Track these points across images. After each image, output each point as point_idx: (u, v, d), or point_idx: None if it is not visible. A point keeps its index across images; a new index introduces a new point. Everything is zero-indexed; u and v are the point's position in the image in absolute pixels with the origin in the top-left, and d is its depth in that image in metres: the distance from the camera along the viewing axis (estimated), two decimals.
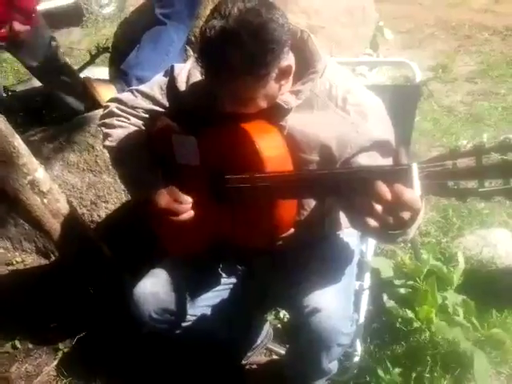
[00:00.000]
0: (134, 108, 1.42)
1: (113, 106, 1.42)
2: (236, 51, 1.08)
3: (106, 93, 2.33)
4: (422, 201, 0.95)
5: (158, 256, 1.52)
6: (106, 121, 1.42)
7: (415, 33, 4.90)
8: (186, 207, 1.29)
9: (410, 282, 1.63)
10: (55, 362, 1.88)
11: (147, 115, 1.43)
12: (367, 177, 0.97)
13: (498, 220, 2.35)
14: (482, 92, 3.69)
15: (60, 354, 1.91)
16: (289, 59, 1.18)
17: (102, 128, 1.44)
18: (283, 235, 1.29)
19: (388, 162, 1.20)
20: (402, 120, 1.75)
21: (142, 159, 1.37)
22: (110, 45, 3.18)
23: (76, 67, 4.20)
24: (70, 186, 2.12)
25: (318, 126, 1.24)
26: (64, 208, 1.68)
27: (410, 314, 1.56)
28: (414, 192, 0.92)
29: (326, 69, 1.26)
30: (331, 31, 2.63)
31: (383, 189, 0.94)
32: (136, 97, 1.43)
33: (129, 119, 1.41)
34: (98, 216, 2.11)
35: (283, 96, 1.23)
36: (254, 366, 1.82)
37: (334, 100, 1.25)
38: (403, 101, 1.84)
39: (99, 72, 3.36)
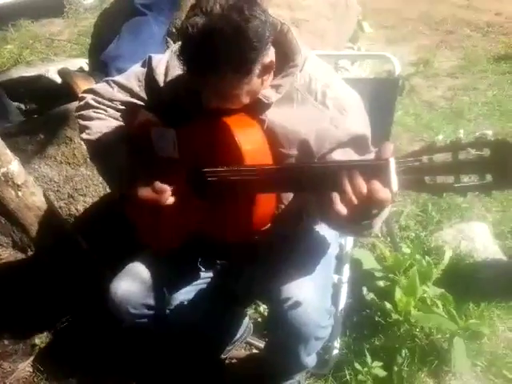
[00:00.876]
0: (110, 100, 1.39)
1: (89, 98, 1.39)
2: (220, 49, 1.07)
3: (85, 85, 2.28)
4: (395, 196, 0.96)
5: (136, 250, 1.50)
6: (83, 113, 1.39)
7: (399, 28, 4.91)
8: (165, 196, 1.27)
9: (390, 275, 1.64)
10: (31, 358, 1.86)
11: (124, 107, 1.40)
12: (346, 169, 0.97)
13: (476, 214, 2.38)
14: (462, 87, 3.71)
15: (36, 349, 1.88)
16: (270, 54, 1.17)
17: (79, 120, 1.40)
18: (261, 229, 1.29)
19: (362, 158, 1.21)
20: (381, 113, 1.75)
21: (121, 152, 1.34)
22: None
23: (56, 59, 4.16)
24: (47, 178, 2.08)
25: (297, 120, 1.24)
26: (40, 201, 1.65)
27: (388, 306, 1.57)
28: (387, 192, 0.94)
29: (305, 62, 1.25)
30: (315, 25, 2.61)
31: (360, 183, 0.95)
32: (112, 88, 1.40)
33: (106, 111, 1.38)
34: (76, 209, 2.08)
35: (264, 91, 1.22)
36: (234, 361, 1.82)
37: (313, 94, 1.25)
38: (383, 94, 1.84)
39: (78, 63, 3.31)
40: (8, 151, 1.55)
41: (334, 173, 0.99)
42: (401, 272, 1.66)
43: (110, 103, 1.39)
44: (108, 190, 2.05)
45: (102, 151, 1.37)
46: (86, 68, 2.94)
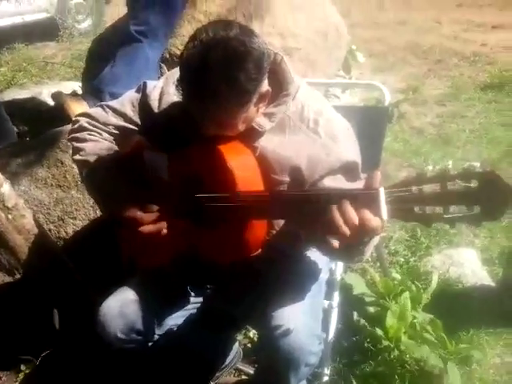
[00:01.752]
0: (104, 124, 1.40)
1: (83, 121, 1.40)
2: (221, 81, 1.09)
3: (77, 108, 2.30)
4: (384, 222, 0.97)
5: (126, 275, 1.49)
6: (78, 135, 1.40)
7: (387, 56, 5.03)
8: (151, 216, 1.27)
9: (381, 301, 1.65)
10: None
11: (118, 131, 1.41)
12: (337, 199, 0.99)
13: (464, 240, 2.40)
14: (450, 115, 3.80)
15: (21, 375, 1.85)
16: (266, 84, 1.20)
17: (73, 142, 1.41)
18: (252, 254, 1.29)
19: (352, 185, 1.23)
20: (371, 141, 1.79)
21: (113, 174, 1.35)
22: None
23: (49, 82, 4.18)
24: (37, 201, 2.07)
25: (289, 147, 1.26)
26: (30, 224, 1.64)
27: (379, 331, 1.57)
28: (378, 220, 0.96)
29: (298, 90, 1.28)
30: (306, 53, 2.66)
31: (351, 214, 0.98)
32: (107, 113, 1.41)
33: (101, 134, 1.40)
34: (66, 232, 2.06)
35: (257, 119, 1.24)
36: None
37: (305, 121, 1.27)
38: (373, 122, 1.88)
39: (71, 86, 3.33)
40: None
41: (325, 203, 1.01)
42: (391, 298, 1.67)
43: (103, 127, 1.40)
44: (98, 214, 2.04)
45: (95, 173, 1.37)
46: (79, 91, 2.95)
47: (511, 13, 6.38)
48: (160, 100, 1.37)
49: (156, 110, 1.36)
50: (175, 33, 2.70)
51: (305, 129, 1.26)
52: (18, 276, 2.05)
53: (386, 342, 1.58)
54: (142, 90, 1.40)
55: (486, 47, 5.17)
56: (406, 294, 1.60)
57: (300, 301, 1.31)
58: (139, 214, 1.26)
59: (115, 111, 1.41)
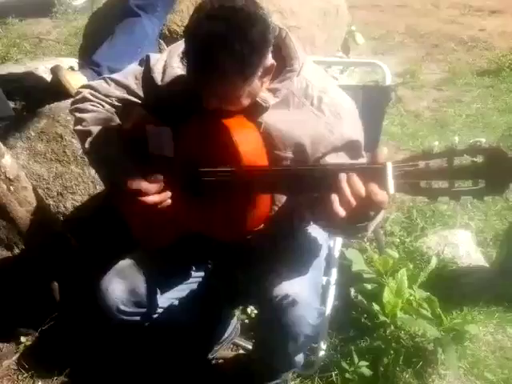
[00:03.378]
0: (107, 96, 1.40)
1: (86, 92, 1.40)
2: (226, 53, 1.09)
3: (76, 82, 2.27)
4: (391, 197, 0.99)
5: (126, 248, 1.50)
6: (79, 105, 1.40)
7: (385, 39, 5.00)
8: (156, 186, 1.28)
9: (378, 278, 1.67)
10: (16, 356, 1.84)
11: (120, 104, 1.41)
12: (346, 173, 1.00)
13: (459, 222, 2.43)
14: (447, 99, 3.80)
15: (21, 347, 1.86)
16: (271, 57, 1.20)
17: (75, 113, 1.41)
18: (255, 229, 1.30)
19: (355, 161, 1.24)
20: (370, 121, 1.79)
21: (115, 145, 1.35)
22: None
23: (46, 58, 4.12)
24: (36, 176, 2.06)
25: (293, 124, 1.27)
26: (31, 196, 1.64)
27: (376, 307, 1.59)
28: (384, 194, 0.98)
29: (303, 67, 1.28)
30: (306, 32, 2.66)
31: (358, 185, 0.99)
32: (109, 85, 1.41)
33: (103, 106, 1.39)
34: (65, 207, 2.07)
35: (262, 94, 1.24)
36: (221, 361, 1.83)
37: (309, 99, 1.27)
38: (373, 102, 1.88)
39: (67, 63, 3.29)
40: (1, 144, 1.54)
41: (333, 175, 1.02)
42: (388, 275, 1.69)
43: (106, 99, 1.40)
44: (98, 189, 2.04)
45: (96, 142, 1.37)
46: (76, 67, 2.92)
47: None
48: (163, 73, 1.36)
49: (159, 83, 1.36)
50: (174, 9, 2.68)
51: (309, 105, 1.27)
52: (16, 251, 2.06)
53: (382, 318, 1.61)
54: (146, 62, 1.40)
55: (483, 32, 5.14)
56: (403, 271, 1.63)
57: (301, 275, 1.33)
58: (144, 184, 1.26)
59: (118, 83, 1.41)
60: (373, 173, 0.98)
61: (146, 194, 1.27)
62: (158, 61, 1.38)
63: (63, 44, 4.94)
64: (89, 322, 1.78)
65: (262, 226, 1.31)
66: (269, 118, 1.26)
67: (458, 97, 3.82)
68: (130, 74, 1.41)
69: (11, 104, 2.75)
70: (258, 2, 1.16)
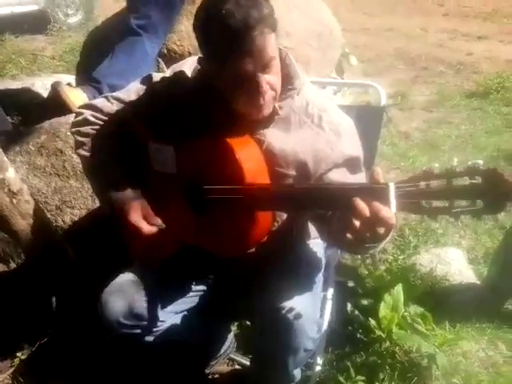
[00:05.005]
0: (109, 115, 1.41)
1: (87, 114, 1.41)
2: (256, 9, 1.11)
3: (76, 99, 2.31)
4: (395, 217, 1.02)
5: (126, 262, 1.52)
6: (81, 129, 1.41)
7: (376, 62, 5.13)
8: (152, 229, 1.32)
9: (373, 293, 1.70)
10: (11, 370, 1.82)
11: (122, 122, 1.42)
12: (347, 193, 1.04)
13: (451, 240, 2.48)
14: (436, 120, 3.90)
15: (17, 361, 1.85)
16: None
17: (76, 136, 1.42)
18: (255, 245, 1.33)
19: (355, 178, 1.28)
20: (366, 140, 1.84)
21: (115, 172, 1.38)
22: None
23: (43, 74, 4.15)
24: (35, 189, 2.07)
25: (295, 142, 1.30)
26: (33, 210, 1.66)
27: (372, 322, 1.62)
28: (389, 210, 1.00)
29: (303, 87, 1.32)
30: (300, 53, 2.72)
31: (362, 205, 1.01)
32: (112, 104, 1.41)
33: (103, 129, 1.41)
34: (63, 221, 2.08)
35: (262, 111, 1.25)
36: (217, 376, 1.83)
37: (310, 117, 1.31)
38: (368, 122, 1.93)
39: (65, 79, 3.32)
40: (5, 158, 1.57)
41: (336, 198, 1.05)
42: (383, 291, 1.73)
43: (107, 119, 1.41)
44: (97, 203, 2.06)
45: (97, 169, 1.40)
46: (74, 84, 2.96)
47: (495, 24, 6.57)
48: (165, 91, 1.38)
49: (162, 101, 1.37)
50: (174, 29, 2.73)
51: (310, 123, 1.31)
52: (13, 264, 2.07)
53: (378, 333, 1.64)
54: (148, 81, 1.42)
55: (471, 56, 5.30)
56: (400, 287, 1.66)
57: (301, 288, 1.34)
58: (143, 225, 1.32)
59: (120, 101, 1.41)
60: (375, 193, 1.01)
61: (143, 233, 1.32)
62: (161, 79, 1.40)
63: (58, 60, 5.00)
64: (86, 337, 1.78)
65: (262, 240, 1.33)
66: (271, 136, 1.29)
67: (447, 118, 3.91)
68: (133, 91, 1.42)
69: (9, 119, 2.77)
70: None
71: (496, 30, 6.20)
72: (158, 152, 1.36)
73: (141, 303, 1.44)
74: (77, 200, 2.08)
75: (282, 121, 1.30)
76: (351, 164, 1.30)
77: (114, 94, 1.44)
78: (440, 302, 1.96)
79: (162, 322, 1.51)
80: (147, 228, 1.33)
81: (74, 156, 2.08)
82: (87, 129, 1.41)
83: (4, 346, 1.87)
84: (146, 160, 1.38)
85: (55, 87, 2.36)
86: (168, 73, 1.44)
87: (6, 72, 4.46)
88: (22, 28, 5.60)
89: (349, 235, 1.04)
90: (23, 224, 1.63)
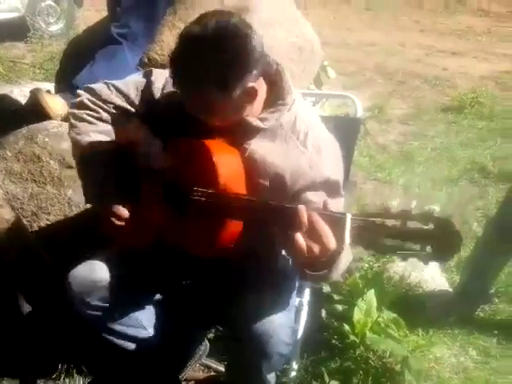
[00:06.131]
0: (105, 102, 1.42)
1: (84, 97, 1.43)
2: (201, 59, 1.16)
3: (56, 105, 2.31)
4: (345, 246, 1.03)
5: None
6: (76, 112, 1.43)
7: (355, 76, 5.24)
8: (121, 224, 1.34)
9: (348, 299, 1.73)
10: None
11: (117, 111, 1.43)
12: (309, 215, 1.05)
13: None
14: (413, 133, 3.99)
15: None
16: (257, 84, 1.24)
17: (71, 118, 1.44)
18: (224, 248, 1.32)
19: (332, 201, 1.24)
20: (342, 151, 1.88)
21: (102, 161, 1.39)
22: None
23: (21, 82, 4.13)
24: (11, 195, 2.06)
25: (277, 154, 1.31)
26: (7, 214, 1.65)
27: (346, 327, 1.65)
28: (328, 229, 1.03)
29: (294, 103, 1.34)
30: (281, 66, 2.76)
31: (303, 213, 1.04)
32: (111, 91, 1.43)
33: (99, 113, 1.42)
34: (39, 227, 2.06)
35: (249, 118, 1.29)
36: (192, 382, 1.83)
37: (296, 133, 1.32)
38: (344, 133, 1.96)
39: (44, 87, 3.31)
40: None
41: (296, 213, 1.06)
42: (357, 296, 1.76)
43: (103, 105, 1.42)
44: (74, 210, 2.05)
45: (85, 155, 1.41)
46: (53, 91, 2.95)
47: (469, 41, 6.78)
48: (163, 89, 1.41)
49: (158, 98, 1.40)
50: (155, 39, 2.76)
51: (295, 140, 1.32)
52: None
53: (352, 338, 1.66)
54: (148, 76, 1.43)
55: (446, 72, 5.45)
56: (372, 292, 1.69)
57: (274, 295, 1.36)
58: (119, 210, 1.33)
59: (119, 91, 1.43)
60: (332, 221, 1.03)
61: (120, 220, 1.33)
62: (159, 76, 1.42)
63: (38, 68, 4.96)
64: (62, 339, 1.77)
65: (231, 245, 1.31)
66: (255, 146, 1.31)
67: (423, 131, 4.01)
68: (132, 83, 1.44)
69: None
70: (252, 28, 1.21)
71: (470, 47, 6.39)
72: (147, 146, 1.37)
73: (105, 284, 1.43)
74: (53, 206, 2.07)
75: (270, 133, 1.32)
76: (329, 187, 1.30)
77: (114, 82, 1.45)
78: (413, 308, 2.00)
79: (125, 308, 1.50)
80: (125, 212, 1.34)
81: (52, 162, 2.08)
82: (81, 113, 1.42)
83: None
84: (133, 154, 1.38)
85: (35, 93, 2.36)
86: (168, 71, 1.44)
87: None
88: (2, 35, 5.55)
89: (290, 252, 1.07)
90: None
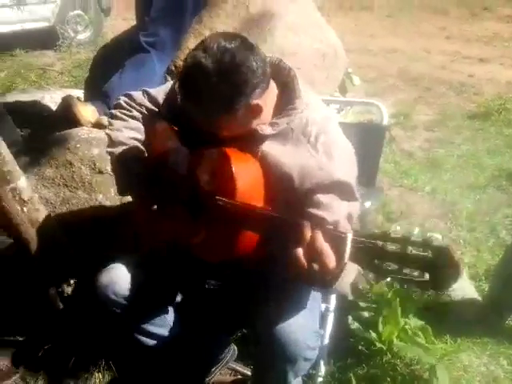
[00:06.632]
0: (140, 105, 1.55)
1: (121, 100, 1.58)
2: (204, 84, 1.21)
3: (86, 112, 2.37)
4: (344, 266, 1.03)
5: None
6: (112, 111, 1.59)
7: (378, 82, 5.20)
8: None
9: (374, 306, 1.73)
10: (17, 376, 1.84)
11: (148, 114, 1.55)
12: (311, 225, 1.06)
13: None
14: (438, 140, 3.94)
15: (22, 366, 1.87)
16: (267, 92, 1.29)
17: (109, 118, 1.60)
18: (243, 257, 1.32)
19: (346, 205, 1.28)
20: (368, 157, 1.88)
21: (136, 166, 1.48)
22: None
23: (52, 88, 4.23)
24: (43, 200, 2.11)
25: (286, 156, 1.33)
26: (42, 218, 1.69)
27: (373, 334, 1.64)
28: (328, 248, 1.03)
29: (307, 106, 1.35)
30: (305, 72, 2.78)
31: (307, 229, 1.05)
32: (145, 97, 1.56)
33: (131, 112, 1.54)
34: (69, 230, 2.11)
35: (261, 125, 1.33)
36: None
37: (307, 136, 1.34)
38: (370, 139, 1.98)
39: (74, 93, 3.39)
40: (17, 167, 1.61)
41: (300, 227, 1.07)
42: (384, 303, 1.75)
43: (138, 107, 1.56)
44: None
45: (117, 149, 1.50)
46: (82, 98, 3.03)
47: (496, 47, 6.67)
48: None
49: (180, 106, 1.43)
50: (181, 46, 2.81)
51: (305, 143, 1.33)
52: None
53: (379, 345, 1.65)
54: (173, 84, 1.51)
55: (472, 78, 5.38)
56: (397, 301, 1.68)
57: (299, 300, 1.38)
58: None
59: (151, 97, 1.55)
60: (333, 237, 1.03)
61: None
62: None
63: (67, 76, 5.09)
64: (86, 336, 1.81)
65: (250, 251, 1.30)
66: (266, 148, 1.34)
67: (449, 138, 3.96)
68: (162, 91, 1.55)
69: (18, 131, 2.83)
70: (254, 46, 1.26)
71: (497, 54, 6.29)
72: (174, 152, 1.44)
73: (133, 287, 1.48)
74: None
75: (281, 136, 1.35)
76: (341, 190, 1.29)
77: (148, 89, 1.58)
78: (441, 316, 1.98)
79: (152, 308, 1.55)
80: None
81: (83, 167, 2.14)
82: (116, 112, 1.57)
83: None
84: (163, 158, 1.46)
85: (67, 100, 2.43)
86: None
87: (15, 86, 4.54)
88: (32, 43, 5.72)
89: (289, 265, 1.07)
90: (32, 231, 1.67)
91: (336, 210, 1.24)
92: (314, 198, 1.29)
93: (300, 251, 1.06)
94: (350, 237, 1.00)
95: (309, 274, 1.07)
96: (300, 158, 1.32)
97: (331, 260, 1.03)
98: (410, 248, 0.95)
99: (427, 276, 0.94)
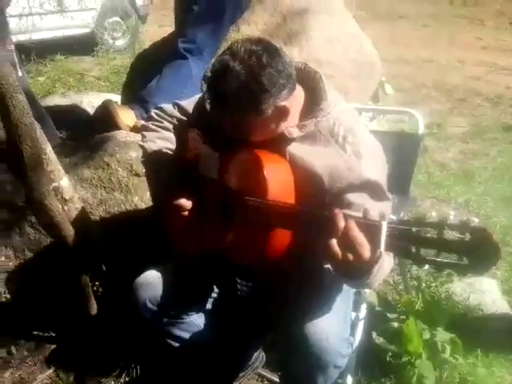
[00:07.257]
0: (171, 116, 1.62)
1: (153, 112, 1.65)
2: (231, 88, 1.22)
3: (125, 116, 2.44)
4: (380, 254, 1.03)
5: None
6: (144, 123, 1.66)
7: (412, 92, 5.16)
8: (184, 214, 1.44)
9: (402, 317, 1.71)
10: (50, 371, 1.90)
11: (180, 124, 1.60)
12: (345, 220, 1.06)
13: None
14: (473, 152, 3.88)
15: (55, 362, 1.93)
16: (294, 95, 1.31)
17: (142, 130, 1.65)
18: (274, 259, 1.33)
19: (378, 205, 1.26)
20: (402, 167, 1.88)
21: (167, 165, 1.53)
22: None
23: (90, 93, 4.36)
24: (81, 200, 2.18)
25: (315, 157, 1.34)
26: (81, 217, 1.75)
27: (399, 348, 1.63)
28: (363, 238, 1.03)
29: (334, 108, 1.37)
30: (340, 81, 2.80)
31: (340, 217, 1.06)
32: (175, 108, 1.63)
33: (162, 122, 1.60)
34: (106, 232, 2.17)
35: (289, 128, 1.34)
36: None
37: (335, 137, 1.35)
38: (404, 149, 1.98)
39: (111, 98, 3.49)
40: (60, 167, 1.67)
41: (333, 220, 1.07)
42: (411, 316, 1.73)
43: (169, 118, 1.61)
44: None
45: (152, 159, 1.57)
46: (119, 103, 3.11)
47: None
48: None
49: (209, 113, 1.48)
50: (218, 53, 2.86)
51: (333, 143, 1.35)
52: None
53: (405, 358, 1.64)
54: (203, 91, 1.53)
55: (509, 90, 5.28)
56: (424, 312, 1.66)
57: (331, 306, 1.37)
58: (184, 202, 1.42)
59: (181, 109, 1.61)
60: (368, 227, 1.03)
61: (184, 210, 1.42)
62: None
63: (104, 81, 5.23)
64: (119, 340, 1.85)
65: (281, 255, 1.33)
66: (294, 149, 1.36)
67: (484, 150, 3.89)
68: (193, 101, 1.59)
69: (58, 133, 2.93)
70: (278, 49, 1.28)
71: None
72: (206, 157, 1.47)
73: (169, 294, 1.51)
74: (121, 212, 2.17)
75: (309, 137, 1.36)
76: (372, 189, 1.29)
77: (179, 101, 1.64)
78: (472, 330, 1.94)
79: (185, 314, 1.57)
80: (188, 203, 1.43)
81: (120, 170, 2.20)
82: (148, 123, 1.63)
83: (44, 348, 1.96)
84: (195, 163, 1.49)
85: (106, 105, 2.50)
86: None
87: (55, 90, 4.70)
88: (72, 50, 5.91)
89: (325, 257, 1.07)
90: (71, 230, 1.72)
91: None
92: (345, 198, 1.29)
93: (334, 241, 1.06)
94: (384, 225, 0.99)
95: (344, 265, 1.07)
96: (329, 159, 1.33)
97: (366, 249, 1.03)
98: (446, 232, 0.94)
99: (466, 260, 0.93)
